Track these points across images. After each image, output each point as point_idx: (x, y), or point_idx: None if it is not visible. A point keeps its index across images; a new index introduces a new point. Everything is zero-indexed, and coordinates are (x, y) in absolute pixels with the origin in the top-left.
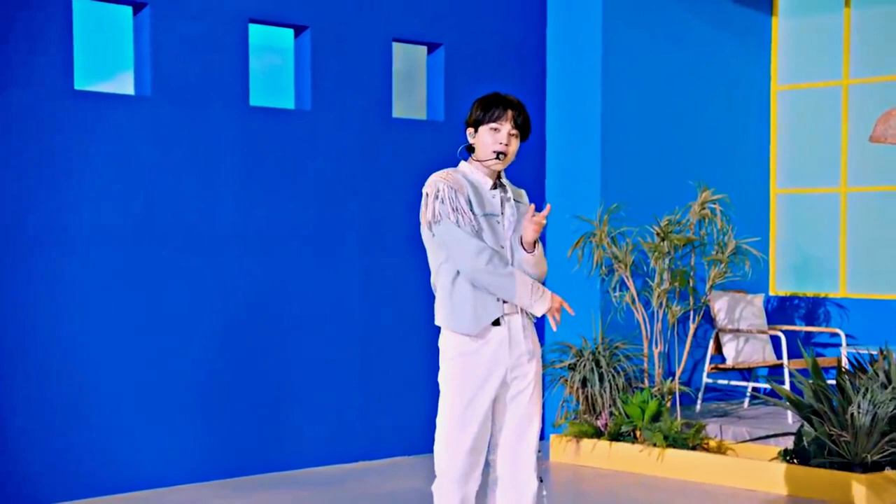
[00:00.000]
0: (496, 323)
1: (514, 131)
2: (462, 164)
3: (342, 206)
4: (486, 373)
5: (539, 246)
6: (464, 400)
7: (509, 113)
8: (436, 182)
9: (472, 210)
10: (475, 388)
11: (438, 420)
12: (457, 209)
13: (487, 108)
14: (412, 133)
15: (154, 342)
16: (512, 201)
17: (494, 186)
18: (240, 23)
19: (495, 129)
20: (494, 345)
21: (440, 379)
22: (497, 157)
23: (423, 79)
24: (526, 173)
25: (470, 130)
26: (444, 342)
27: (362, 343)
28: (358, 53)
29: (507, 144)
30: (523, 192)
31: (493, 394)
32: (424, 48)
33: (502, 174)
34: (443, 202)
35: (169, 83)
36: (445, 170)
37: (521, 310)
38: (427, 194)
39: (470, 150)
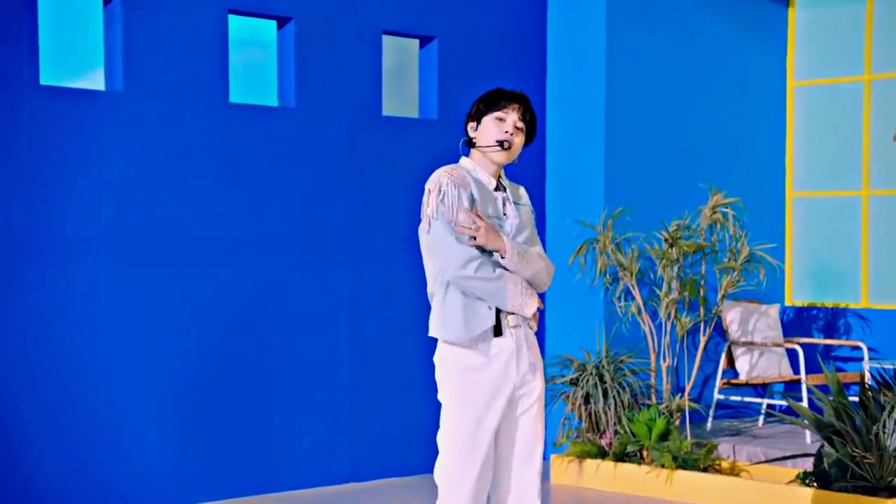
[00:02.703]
0: (498, 333)
1: (520, 124)
2: (463, 159)
3: (328, 211)
4: (494, 390)
5: (510, 251)
6: (472, 420)
7: (516, 104)
8: (439, 178)
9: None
10: (484, 406)
11: (441, 442)
12: (456, 209)
13: (492, 99)
14: (403, 132)
15: (125, 358)
16: (513, 204)
17: (497, 187)
18: (219, 14)
19: (500, 119)
20: (502, 359)
21: (442, 397)
22: (501, 146)
23: (415, 74)
24: (525, 175)
25: (471, 124)
26: (445, 356)
27: (351, 357)
28: (345, 47)
29: (511, 135)
30: (523, 190)
31: (501, 413)
32: (416, 42)
33: (503, 175)
34: (443, 200)
35: (142, 78)
36: (449, 165)
37: (525, 321)
38: (429, 191)
39: (470, 144)
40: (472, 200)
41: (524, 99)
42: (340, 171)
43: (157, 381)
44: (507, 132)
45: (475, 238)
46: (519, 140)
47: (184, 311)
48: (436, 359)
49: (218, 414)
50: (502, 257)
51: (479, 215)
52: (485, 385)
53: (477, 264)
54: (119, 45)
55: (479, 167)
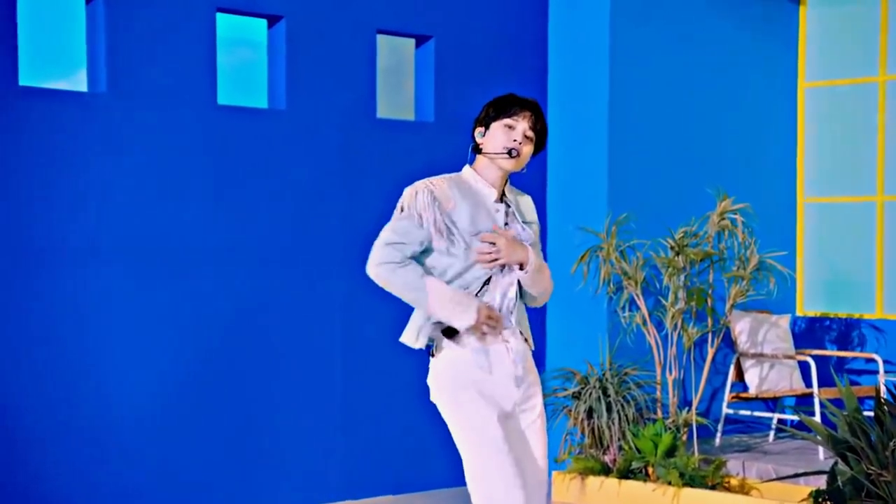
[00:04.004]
0: (450, 334)
1: (529, 133)
2: (466, 169)
3: (321, 218)
4: (491, 396)
5: (532, 262)
6: (479, 417)
7: (527, 112)
8: (414, 189)
9: (451, 226)
10: (484, 406)
11: (465, 453)
12: (422, 218)
13: (503, 105)
14: (398, 135)
15: (107, 373)
16: (519, 221)
17: (501, 198)
18: (207, 12)
19: (510, 126)
20: (501, 372)
21: (443, 409)
22: (509, 154)
23: (410, 75)
24: (525, 179)
25: (479, 129)
26: (436, 369)
27: (344, 367)
28: (338, 47)
29: (520, 143)
30: (530, 202)
31: (503, 416)
32: (412, 41)
33: (508, 185)
34: (409, 208)
35: (126, 79)
36: (441, 176)
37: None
38: (400, 209)
39: (477, 150)
40: (450, 219)
41: (536, 107)
42: (333, 176)
43: (137, 396)
44: (515, 140)
45: (497, 259)
46: (528, 149)
47: (168, 321)
48: (429, 380)
49: (204, 433)
50: (522, 269)
51: (495, 230)
52: (483, 392)
53: (399, 258)
54: (102, 44)
55: (481, 176)
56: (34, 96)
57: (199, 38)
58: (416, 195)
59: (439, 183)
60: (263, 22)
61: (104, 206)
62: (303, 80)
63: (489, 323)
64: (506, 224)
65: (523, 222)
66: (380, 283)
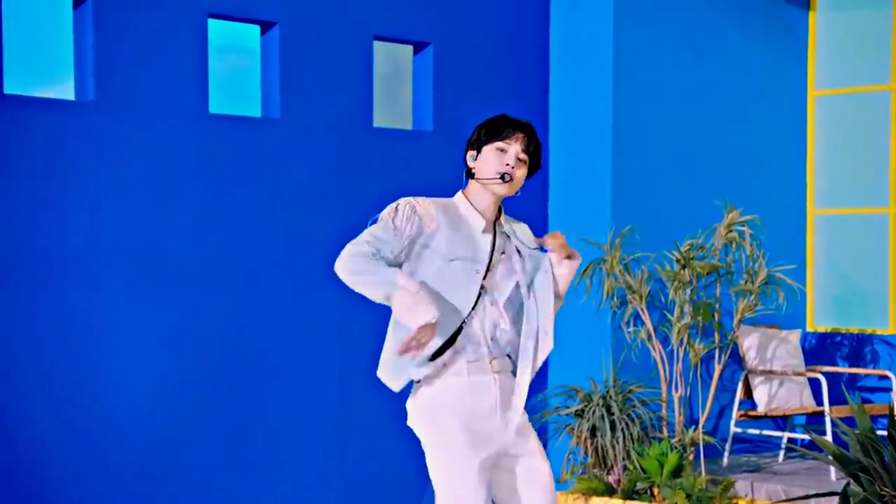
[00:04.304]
0: (438, 355)
1: (523, 155)
2: (458, 195)
3: (316, 229)
4: (469, 417)
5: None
6: (460, 447)
7: (520, 134)
8: (396, 203)
9: (423, 249)
10: (468, 440)
11: (438, 483)
12: (398, 229)
13: (494, 127)
14: (396, 145)
15: (93, 394)
16: (515, 255)
17: (492, 226)
18: (198, 18)
19: (502, 150)
20: (486, 403)
21: (422, 434)
22: (502, 179)
23: (408, 83)
24: (526, 192)
25: (471, 153)
26: (416, 389)
27: (339, 383)
28: (334, 53)
29: (513, 167)
30: (528, 230)
31: (489, 458)
32: (410, 48)
33: (503, 215)
34: (387, 218)
35: (115, 88)
36: (431, 198)
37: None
38: (380, 218)
39: (469, 175)
40: (430, 239)
41: (529, 128)
42: (329, 187)
43: (122, 423)
44: (508, 164)
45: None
46: (521, 172)
47: (157, 337)
48: (409, 403)
49: (192, 460)
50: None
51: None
52: (465, 424)
53: (366, 250)
54: (90, 51)
55: (472, 203)
56: (19, 105)
57: (190, 44)
58: (396, 208)
59: (424, 202)
60: (256, 28)
61: (93, 219)
62: (297, 88)
63: (413, 342)
64: (502, 253)
65: (530, 248)
66: (347, 274)
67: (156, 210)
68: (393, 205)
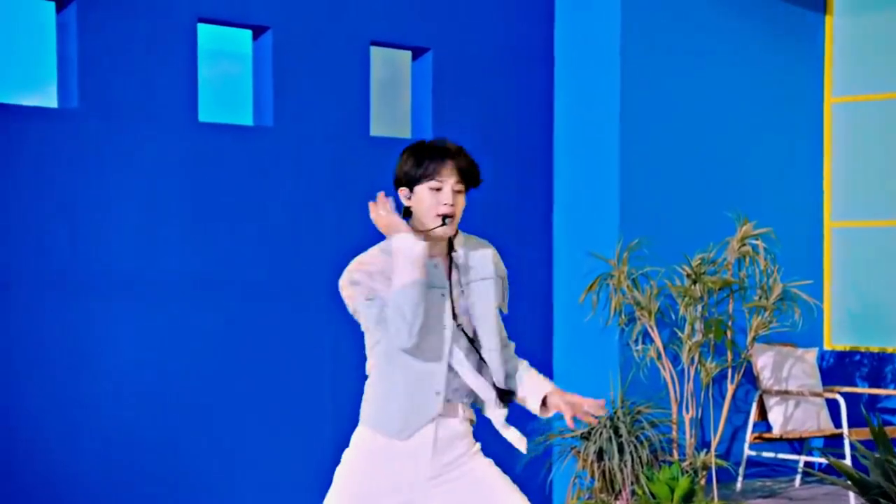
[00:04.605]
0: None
1: (458, 186)
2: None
3: (311, 242)
4: (388, 487)
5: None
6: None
7: (450, 163)
8: (348, 272)
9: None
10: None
11: None
12: (372, 290)
13: (420, 162)
14: (394, 154)
15: (78, 412)
16: (469, 275)
17: (448, 252)
18: (187, 22)
19: (436, 189)
20: (413, 450)
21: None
22: (444, 222)
23: (406, 90)
24: (530, 203)
25: (403, 191)
26: (355, 436)
27: (333, 399)
28: (329, 59)
29: (453, 205)
30: (487, 254)
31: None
32: (409, 53)
33: (458, 234)
34: (357, 284)
35: (100, 94)
36: (372, 249)
37: (463, 409)
38: (342, 287)
39: (407, 214)
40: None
41: (457, 153)
42: (324, 198)
43: (109, 443)
44: (446, 203)
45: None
46: (461, 204)
47: (144, 355)
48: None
49: (180, 481)
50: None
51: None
52: (380, 477)
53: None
54: (74, 56)
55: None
56: (0, 112)
57: (180, 50)
58: (349, 283)
59: (370, 260)
60: (248, 33)
61: (76, 231)
62: (291, 96)
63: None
64: (451, 282)
65: (479, 279)
66: (404, 323)
67: (142, 222)
68: (346, 279)
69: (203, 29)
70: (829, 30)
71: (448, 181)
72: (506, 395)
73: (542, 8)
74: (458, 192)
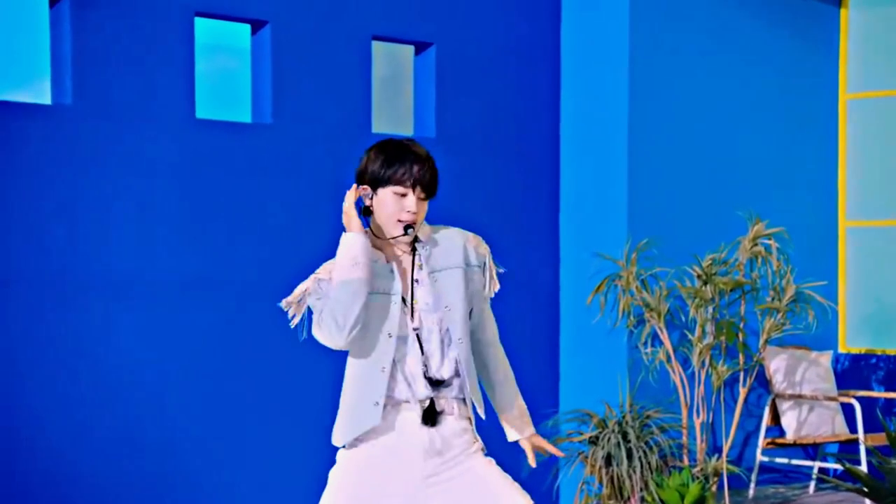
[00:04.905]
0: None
1: (422, 194)
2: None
3: (311, 243)
4: (383, 490)
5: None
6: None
7: (416, 170)
8: (304, 288)
9: None
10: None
11: None
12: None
13: (390, 163)
14: None
15: (78, 411)
16: (426, 272)
17: (409, 250)
18: (184, 16)
19: (401, 195)
20: (405, 450)
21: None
22: (405, 232)
23: (409, 86)
24: (536, 203)
25: (365, 189)
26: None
27: (333, 408)
28: (329, 54)
29: (416, 213)
30: (455, 239)
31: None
32: (411, 48)
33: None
34: (308, 295)
35: (94, 91)
36: (325, 266)
37: (458, 402)
38: (289, 305)
39: (366, 212)
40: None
41: (426, 158)
42: (324, 197)
43: (101, 437)
44: (410, 211)
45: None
46: (423, 212)
47: (143, 354)
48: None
49: (179, 490)
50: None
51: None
52: (372, 476)
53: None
54: (68, 51)
55: (377, 245)
56: None
57: (176, 44)
58: (304, 296)
59: (328, 270)
60: (247, 27)
61: (72, 230)
62: (290, 92)
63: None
64: (415, 281)
65: (433, 271)
66: (332, 323)
67: (137, 222)
68: (300, 292)
69: (200, 23)
70: (844, 24)
71: (415, 188)
72: (436, 384)
73: (549, 1)
74: (422, 199)
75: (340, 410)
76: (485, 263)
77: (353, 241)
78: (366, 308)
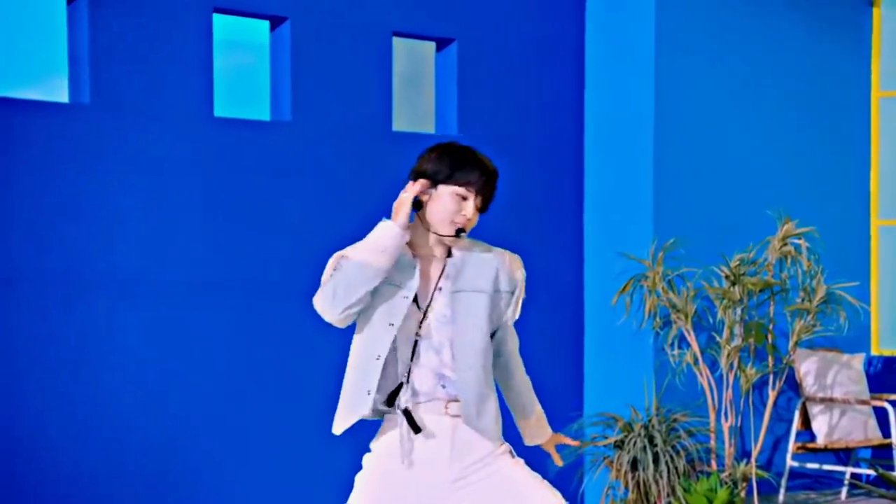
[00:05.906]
0: (415, 429)
1: (480, 205)
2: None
3: (331, 242)
4: (409, 494)
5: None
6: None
7: (484, 180)
8: (336, 260)
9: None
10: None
11: None
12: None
13: (460, 166)
14: (417, 150)
15: (82, 411)
16: (459, 284)
17: (444, 255)
18: (202, 13)
19: (462, 197)
20: (430, 454)
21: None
22: (457, 234)
23: (430, 83)
24: (560, 202)
25: (422, 184)
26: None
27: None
28: (349, 51)
29: (470, 220)
30: (492, 262)
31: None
32: (433, 45)
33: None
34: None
35: (112, 89)
36: (355, 245)
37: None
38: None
39: (417, 206)
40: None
41: (495, 174)
42: (344, 196)
43: (106, 437)
44: (465, 216)
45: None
46: (474, 222)
47: (153, 363)
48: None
49: (200, 457)
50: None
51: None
52: (397, 476)
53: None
54: (85, 49)
55: (415, 241)
56: (8, 107)
57: (194, 41)
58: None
59: (354, 248)
60: (266, 23)
61: (87, 230)
62: (309, 89)
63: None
64: (438, 289)
65: (456, 291)
66: (328, 299)
67: (155, 221)
68: (332, 265)
69: (218, 19)
70: (877, 21)
71: (477, 196)
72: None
73: None
74: (478, 209)
75: (340, 397)
76: (516, 288)
77: (390, 232)
78: (372, 294)
